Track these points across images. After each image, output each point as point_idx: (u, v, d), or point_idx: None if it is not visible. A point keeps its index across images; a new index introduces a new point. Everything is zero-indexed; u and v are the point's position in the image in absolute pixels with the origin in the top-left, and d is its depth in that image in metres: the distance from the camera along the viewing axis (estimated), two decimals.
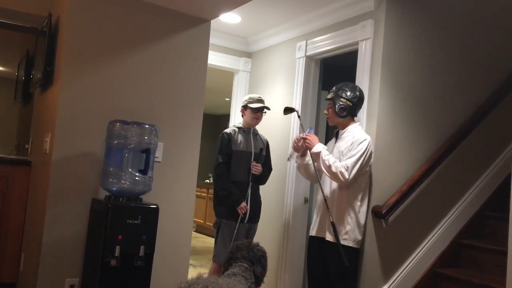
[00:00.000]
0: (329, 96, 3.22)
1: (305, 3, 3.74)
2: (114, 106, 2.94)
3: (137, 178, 2.68)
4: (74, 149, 2.83)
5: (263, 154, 3.67)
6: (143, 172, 2.71)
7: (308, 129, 3.30)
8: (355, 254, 3.09)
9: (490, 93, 3.77)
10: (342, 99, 3.13)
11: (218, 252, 3.46)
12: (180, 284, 1.67)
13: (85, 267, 2.79)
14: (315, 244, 3.20)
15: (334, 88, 3.23)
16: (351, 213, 3.04)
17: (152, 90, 3.09)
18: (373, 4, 3.33)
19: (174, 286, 1.69)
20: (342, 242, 3.00)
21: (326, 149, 3.11)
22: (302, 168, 3.34)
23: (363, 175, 3.06)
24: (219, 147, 3.55)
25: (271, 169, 3.75)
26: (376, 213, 3.15)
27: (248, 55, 4.86)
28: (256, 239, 3.09)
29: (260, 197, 3.67)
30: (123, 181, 2.65)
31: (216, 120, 10.52)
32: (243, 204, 3.46)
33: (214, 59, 4.53)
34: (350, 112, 3.15)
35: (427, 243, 3.44)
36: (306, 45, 4.01)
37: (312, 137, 3.16)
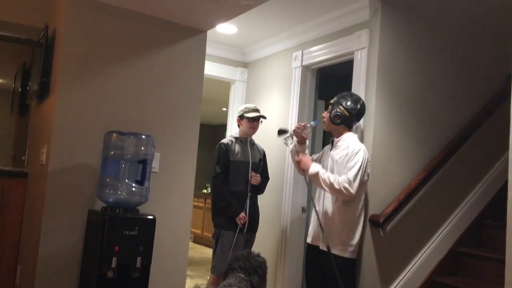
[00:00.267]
0: (331, 101, 3.22)
1: (301, 14, 3.77)
2: (111, 117, 2.94)
3: (133, 189, 2.68)
4: (71, 160, 2.83)
5: (261, 164, 3.68)
6: (140, 182, 2.70)
7: (314, 122, 3.28)
8: (351, 264, 3.08)
9: (486, 101, 3.79)
10: (340, 107, 3.13)
11: (217, 263, 3.44)
12: None
13: (81, 279, 2.77)
14: (313, 252, 3.19)
15: (339, 94, 3.23)
16: (347, 223, 3.03)
17: (149, 100, 3.09)
18: (368, 14, 3.36)
19: None
20: (338, 252, 3.00)
21: (321, 167, 3.07)
22: (297, 155, 3.32)
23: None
24: (217, 158, 3.55)
25: (268, 178, 3.76)
26: (374, 222, 3.15)
27: (245, 65, 4.88)
28: (254, 249, 3.08)
29: (258, 207, 3.67)
30: (119, 192, 2.64)
31: (213, 130, 10.52)
32: (242, 214, 3.46)
33: (211, 69, 4.54)
34: (345, 121, 3.14)
35: (425, 251, 3.43)
36: (302, 55, 4.03)
37: (305, 158, 3.12)
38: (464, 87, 3.73)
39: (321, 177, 2.99)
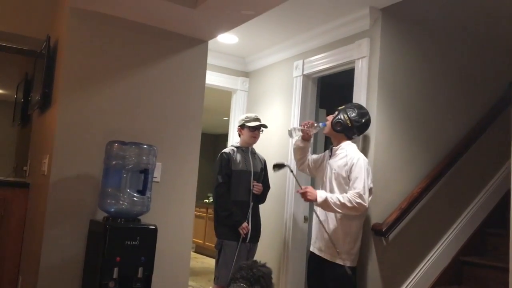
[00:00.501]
0: (340, 107, 3.23)
1: (301, 23, 3.79)
2: (112, 127, 2.94)
3: (135, 199, 2.67)
4: (72, 171, 2.83)
5: (263, 173, 3.68)
6: (142, 192, 2.70)
7: (321, 123, 3.29)
8: (352, 272, 3.05)
9: (488, 109, 3.79)
10: (345, 115, 3.13)
11: (220, 273, 3.43)
12: None
13: None
14: (315, 259, 3.17)
15: (350, 103, 3.24)
16: (349, 232, 3.02)
17: (151, 110, 3.09)
18: (368, 23, 3.37)
19: None
20: (340, 261, 2.98)
21: (325, 192, 3.03)
22: (299, 151, 3.36)
23: None
24: (219, 167, 3.55)
25: (269, 187, 3.76)
26: (376, 231, 3.13)
27: (246, 74, 4.90)
28: (259, 259, 3.07)
29: (260, 216, 3.66)
30: (121, 202, 2.64)
31: (214, 140, 10.53)
32: (245, 224, 3.45)
33: (212, 79, 4.56)
34: (345, 131, 3.14)
35: (428, 260, 3.41)
36: (303, 64, 4.04)
37: (310, 189, 3.03)
38: (466, 94, 3.73)
39: (330, 201, 2.92)
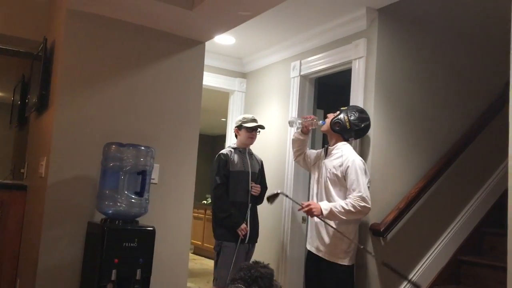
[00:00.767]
0: (343, 108, 3.24)
1: (298, 24, 3.79)
2: (110, 128, 2.94)
3: (133, 201, 2.67)
4: (70, 173, 2.82)
5: (260, 174, 3.68)
6: (139, 194, 2.69)
7: (321, 121, 3.29)
8: (350, 271, 3.07)
9: (485, 108, 3.80)
10: (345, 117, 3.14)
11: (219, 275, 3.42)
12: None
13: None
14: (313, 258, 3.17)
15: (355, 106, 3.26)
16: (347, 232, 3.02)
17: (148, 111, 3.09)
18: (365, 24, 3.38)
19: None
20: (338, 260, 3.00)
21: (328, 202, 3.02)
22: (297, 142, 3.38)
23: None
24: (217, 168, 3.55)
25: (266, 188, 3.75)
26: (374, 231, 3.14)
27: (243, 75, 4.90)
28: (253, 260, 3.06)
29: (258, 217, 3.66)
30: (119, 204, 2.63)
31: (212, 141, 10.53)
32: (243, 225, 3.45)
33: (210, 80, 4.56)
34: (342, 131, 3.15)
35: (426, 260, 3.42)
36: (300, 65, 4.04)
37: (313, 204, 3.00)
38: (463, 94, 3.74)
39: (335, 211, 2.91)
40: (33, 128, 3.77)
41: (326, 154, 3.22)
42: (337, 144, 3.17)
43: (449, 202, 3.58)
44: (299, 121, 3.34)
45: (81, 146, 2.86)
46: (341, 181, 3.02)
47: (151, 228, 2.69)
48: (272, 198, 3.06)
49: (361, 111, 3.18)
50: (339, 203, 2.94)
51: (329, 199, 3.07)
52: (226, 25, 3.08)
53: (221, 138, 5.66)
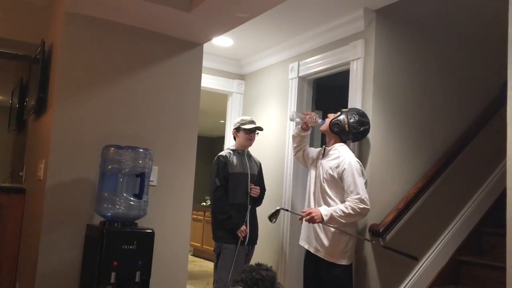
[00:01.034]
0: (344, 109, 3.24)
1: (296, 25, 3.79)
2: (108, 131, 2.94)
3: (132, 203, 2.66)
4: (68, 175, 2.82)
5: (259, 176, 3.68)
6: (138, 196, 2.69)
7: (321, 120, 3.29)
8: (349, 271, 3.07)
9: (483, 108, 3.81)
10: (344, 118, 3.14)
11: (220, 277, 3.42)
12: None
13: None
14: (311, 258, 3.18)
15: (356, 108, 3.26)
16: (343, 231, 3.02)
17: (146, 114, 3.09)
18: (363, 25, 3.38)
19: None
20: (336, 260, 3.01)
21: (327, 208, 3.01)
22: (297, 138, 3.39)
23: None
24: (216, 170, 3.54)
25: (265, 190, 3.76)
26: (374, 232, 3.14)
27: (241, 77, 4.90)
28: (253, 261, 3.06)
29: (257, 219, 3.66)
30: (117, 206, 2.63)
31: (211, 143, 10.53)
32: (243, 227, 3.45)
33: (208, 81, 4.56)
34: (341, 133, 3.16)
35: (425, 260, 3.42)
36: (299, 66, 4.05)
37: (311, 210, 3.00)
38: (461, 95, 3.74)
39: (335, 215, 2.91)
40: (31, 131, 3.76)
41: (324, 154, 3.22)
42: (334, 145, 3.17)
43: (448, 202, 3.58)
44: (300, 117, 3.35)
45: (80, 149, 2.85)
46: (337, 182, 3.03)
47: (150, 231, 2.68)
48: (274, 215, 3.14)
49: (362, 115, 3.18)
50: (338, 207, 2.94)
51: (325, 198, 3.07)
52: (224, 27, 3.08)
53: (220, 140, 5.66)
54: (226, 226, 3.46)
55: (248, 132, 3.62)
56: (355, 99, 3.37)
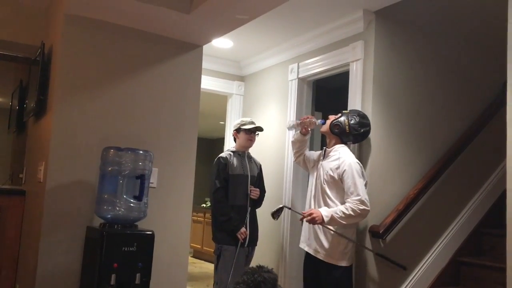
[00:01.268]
0: (345, 111, 3.24)
1: (296, 27, 3.80)
2: (108, 133, 2.94)
3: (132, 205, 2.66)
4: (68, 177, 2.82)
5: (259, 178, 3.68)
6: (138, 198, 2.69)
7: (320, 120, 3.29)
8: (348, 273, 3.07)
9: (483, 109, 3.81)
10: (345, 120, 3.14)
11: (220, 279, 3.41)
12: None
13: None
14: (311, 260, 3.17)
15: (357, 110, 3.26)
16: (344, 233, 3.02)
17: (146, 116, 3.09)
18: (362, 26, 3.38)
19: None
20: (336, 262, 3.00)
21: (327, 209, 3.01)
22: (297, 144, 3.39)
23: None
24: (216, 172, 3.54)
25: (265, 192, 3.75)
26: (374, 233, 3.14)
27: (241, 78, 4.90)
28: (253, 263, 3.07)
29: (257, 220, 3.65)
30: (117, 208, 2.63)
31: (211, 144, 10.53)
32: (243, 229, 3.44)
33: (208, 83, 4.56)
34: (341, 134, 3.16)
35: (425, 261, 3.42)
36: (298, 67, 4.05)
37: (313, 211, 2.99)
38: (460, 96, 3.74)
39: (336, 216, 2.91)
40: (31, 133, 3.76)
41: (324, 155, 3.22)
42: (335, 146, 3.17)
43: (448, 203, 3.58)
44: (298, 121, 3.34)
45: (80, 151, 2.85)
46: (338, 183, 3.02)
47: (150, 232, 2.68)
48: (277, 213, 3.14)
49: (363, 117, 3.18)
50: (339, 209, 2.94)
51: (325, 200, 3.07)
52: (224, 29, 3.08)
53: (220, 142, 5.66)
54: (226, 228, 3.46)
55: (249, 133, 3.62)
56: (355, 100, 3.37)
